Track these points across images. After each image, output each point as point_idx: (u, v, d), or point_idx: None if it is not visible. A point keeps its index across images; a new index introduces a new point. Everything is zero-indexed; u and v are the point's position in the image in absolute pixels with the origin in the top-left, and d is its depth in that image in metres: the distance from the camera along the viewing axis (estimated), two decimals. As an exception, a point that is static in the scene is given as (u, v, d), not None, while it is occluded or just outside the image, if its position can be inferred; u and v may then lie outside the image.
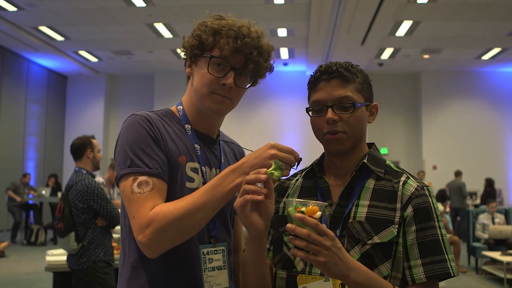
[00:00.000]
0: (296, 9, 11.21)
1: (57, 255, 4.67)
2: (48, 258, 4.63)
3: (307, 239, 1.17)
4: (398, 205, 1.41)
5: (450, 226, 9.29)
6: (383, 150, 16.80)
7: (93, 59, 15.64)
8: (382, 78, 16.79)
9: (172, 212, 1.34)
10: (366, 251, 1.38)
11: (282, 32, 12.81)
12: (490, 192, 12.56)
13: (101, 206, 3.81)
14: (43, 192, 12.89)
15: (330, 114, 1.44)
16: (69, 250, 3.82)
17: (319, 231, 1.18)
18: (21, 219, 12.46)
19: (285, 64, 15.99)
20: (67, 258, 3.95)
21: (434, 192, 14.03)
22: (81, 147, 4.05)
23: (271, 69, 1.62)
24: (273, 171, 1.29)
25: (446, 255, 1.37)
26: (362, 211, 1.42)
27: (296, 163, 1.36)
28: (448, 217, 9.51)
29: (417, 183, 1.45)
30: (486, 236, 8.82)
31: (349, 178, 1.47)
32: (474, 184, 14.31)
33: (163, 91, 16.49)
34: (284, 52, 14.77)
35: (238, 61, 1.51)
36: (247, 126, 16.42)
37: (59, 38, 13.39)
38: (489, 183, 12.99)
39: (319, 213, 1.21)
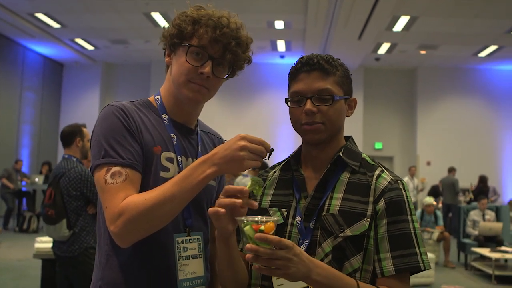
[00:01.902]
0: (294, 2, 11.18)
1: (46, 242, 4.69)
2: (37, 245, 4.64)
3: (272, 257, 1.17)
4: (371, 199, 1.42)
5: (441, 222, 9.32)
6: (378, 145, 16.84)
7: (89, 47, 15.58)
8: (379, 73, 16.81)
9: (143, 203, 1.35)
10: (338, 243, 1.39)
11: (279, 24, 12.78)
12: (482, 189, 12.62)
13: (94, 193, 3.80)
14: (36, 179, 12.89)
15: (308, 105, 1.44)
16: (59, 237, 3.78)
17: (282, 246, 1.18)
18: (14, 206, 12.46)
19: (282, 57, 15.97)
20: (54, 246, 3.93)
21: (427, 188, 14.16)
22: (72, 135, 4.03)
23: (249, 61, 1.62)
24: (253, 189, 1.34)
25: (417, 249, 1.38)
26: (335, 204, 1.43)
27: (268, 154, 1.37)
28: (439, 213, 9.55)
29: (391, 177, 1.46)
30: (476, 232, 8.87)
31: (325, 171, 1.48)
32: (467, 180, 14.33)
33: (159, 81, 16.40)
34: (281, 45, 14.74)
35: (216, 51, 1.51)
36: (242, 118, 16.42)
37: (55, 25, 13.31)
38: (482, 179, 13.05)
39: (274, 228, 1.21)
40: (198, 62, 1.51)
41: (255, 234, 1.18)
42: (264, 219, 1.23)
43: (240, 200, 1.29)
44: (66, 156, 4.00)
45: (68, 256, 3.77)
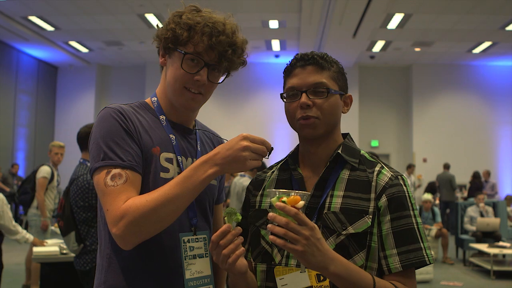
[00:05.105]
0: (288, 1, 11.18)
1: (44, 246, 4.66)
2: (36, 249, 4.61)
3: (286, 227, 1.17)
4: (372, 195, 1.42)
5: (439, 219, 9.34)
6: (374, 143, 16.86)
7: (84, 49, 15.53)
8: (374, 70, 16.83)
9: (144, 204, 1.34)
10: (341, 241, 1.38)
11: (273, 24, 12.77)
12: (477, 185, 12.67)
13: None
14: (33, 183, 12.81)
15: (304, 98, 1.44)
16: (71, 250, 3.54)
17: (299, 220, 1.19)
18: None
19: (277, 56, 15.97)
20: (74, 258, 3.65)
21: (424, 184, 14.19)
22: (88, 136, 3.66)
23: (244, 63, 1.62)
24: (231, 220, 1.35)
25: (421, 244, 1.38)
26: (336, 202, 1.42)
27: (268, 152, 1.37)
28: (437, 210, 9.57)
29: (392, 173, 1.46)
30: (474, 228, 8.89)
31: (324, 169, 1.47)
32: (464, 177, 14.39)
33: (154, 82, 16.40)
34: (275, 44, 14.74)
35: (211, 58, 1.51)
36: (238, 117, 16.42)
37: (49, 28, 13.27)
38: (476, 175, 13.12)
39: (301, 203, 1.21)
40: (193, 69, 1.50)
41: (276, 203, 1.21)
42: (296, 192, 1.24)
43: (239, 247, 1.34)
44: (82, 160, 3.66)
45: (81, 270, 3.48)
